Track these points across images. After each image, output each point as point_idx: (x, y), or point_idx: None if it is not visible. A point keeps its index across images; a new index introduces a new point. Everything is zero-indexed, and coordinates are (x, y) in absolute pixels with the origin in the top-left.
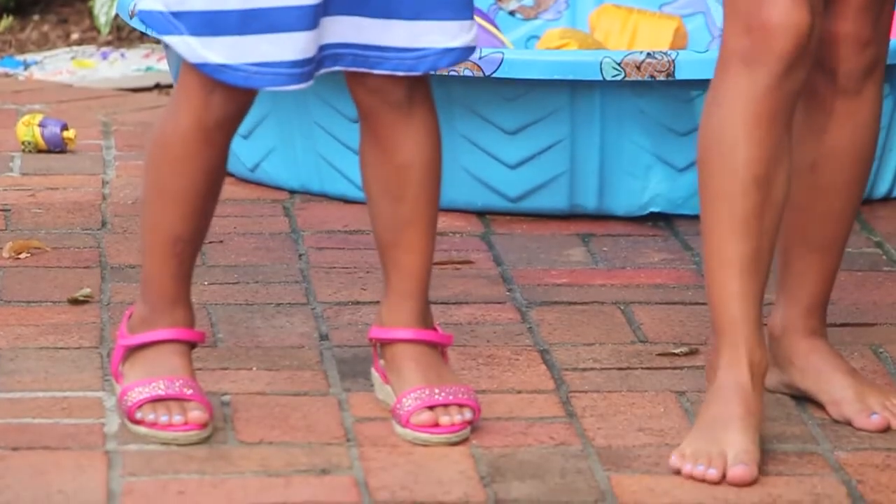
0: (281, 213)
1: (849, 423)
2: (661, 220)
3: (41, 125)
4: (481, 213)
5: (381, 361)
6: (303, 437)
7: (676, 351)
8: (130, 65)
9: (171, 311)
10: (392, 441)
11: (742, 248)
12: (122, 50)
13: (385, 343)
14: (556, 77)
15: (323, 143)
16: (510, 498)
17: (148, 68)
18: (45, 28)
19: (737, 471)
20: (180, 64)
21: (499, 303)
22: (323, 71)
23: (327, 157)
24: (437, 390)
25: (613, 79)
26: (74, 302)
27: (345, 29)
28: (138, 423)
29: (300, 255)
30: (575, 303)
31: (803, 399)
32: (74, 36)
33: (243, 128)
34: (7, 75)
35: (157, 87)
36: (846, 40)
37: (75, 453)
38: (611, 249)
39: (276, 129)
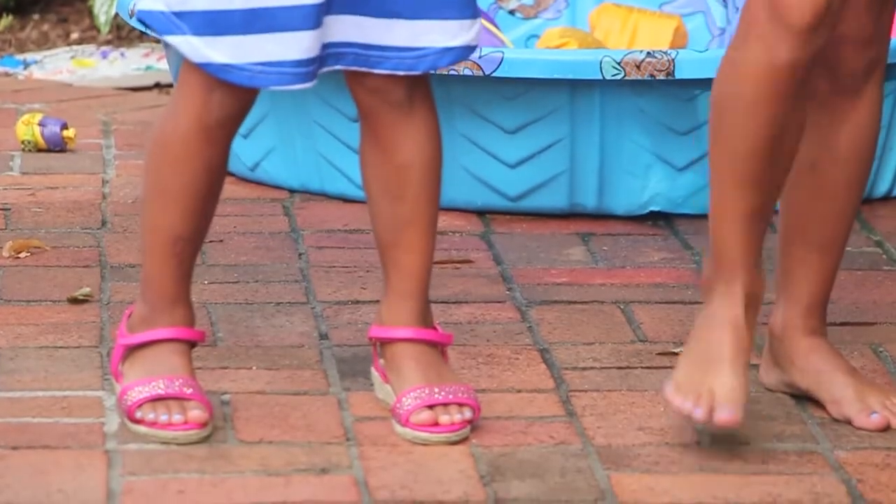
0: (281, 213)
1: (849, 423)
2: (660, 220)
3: (41, 124)
4: (481, 213)
5: (381, 360)
6: (302, 436)
7: (676, 350)
8: (130, 64)
9: (171, 310)
10: (392, 440)
11: (748, 201)
12: (122, 49)
13: (385, 342)
14: (555, 76)
15: (323, 143)
16: (510, 497)
17: (148, 67)
18: (45, 27)
19: (722, 415)
20: (181, 63)
21: (498, 302)
22: (325, 70)
23: (327, 157)
24: (436, 389)
25: (613, 78)
26: (74, 301)
27: (347, 28)
28: (138, 422)
29: (300, 255)
30: (575, 302)
31: (803, 398)
32: (74, 35)
33: (243, 127)
34: (7, 74)
35: (157, 86)
36: (847, 40)
37: (75, 452)
38: (610, 249)
39: (275, 129)
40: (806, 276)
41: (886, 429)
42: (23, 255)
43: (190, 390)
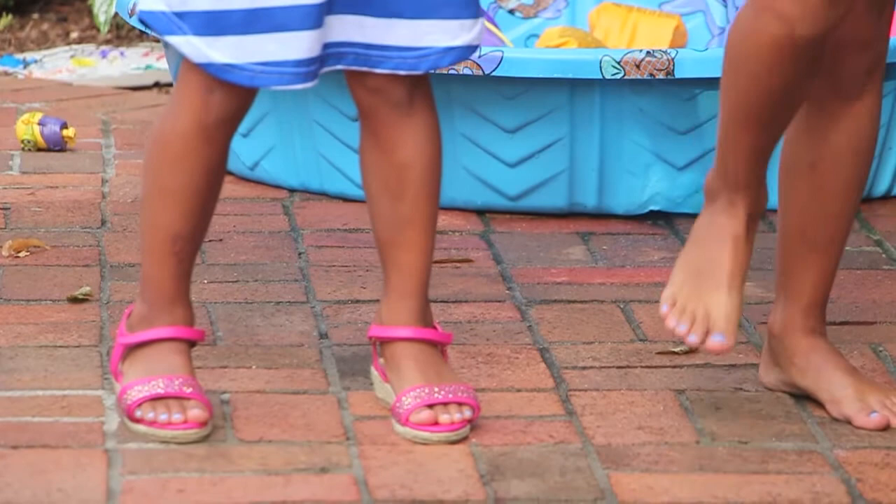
0: (280, 212)
1: (848, 422)
2: (660, 219)
3: (41, 124)
4: (481, 212)
5: (381, 360)
6: (302, 435)
7: (676, 349)
8: (130, 63)
9: (171, 309)
10: (391, 439)
11: (755, 137)
12: (122, 48)
13: (384, 341)
14: (555, 75)
15: (322, 142)
16: (510, 496)
17: (147, 67)
18: (45, 26)
19: (714, 343)
20: (180, 63)
21: (498, 301)
22: (326, 69)
23: (327, 156)
24: (436, 389)
25: (613, 77)
26: (74, 300)
27: (348, 28)
28: (138, 421)
29: (300, 254)
30: (574, 301)
31: (803, 397)
32: (74, 34)
33: (243, 126)
34: (6, 74)
35: (157, 85)
36: (847, 42)
37: (75, 452)
38: (610, 248)
39: (275, 128)
40: (805, 275)
41: (886, 428)
42: (22, 254)
43: (190, 389)
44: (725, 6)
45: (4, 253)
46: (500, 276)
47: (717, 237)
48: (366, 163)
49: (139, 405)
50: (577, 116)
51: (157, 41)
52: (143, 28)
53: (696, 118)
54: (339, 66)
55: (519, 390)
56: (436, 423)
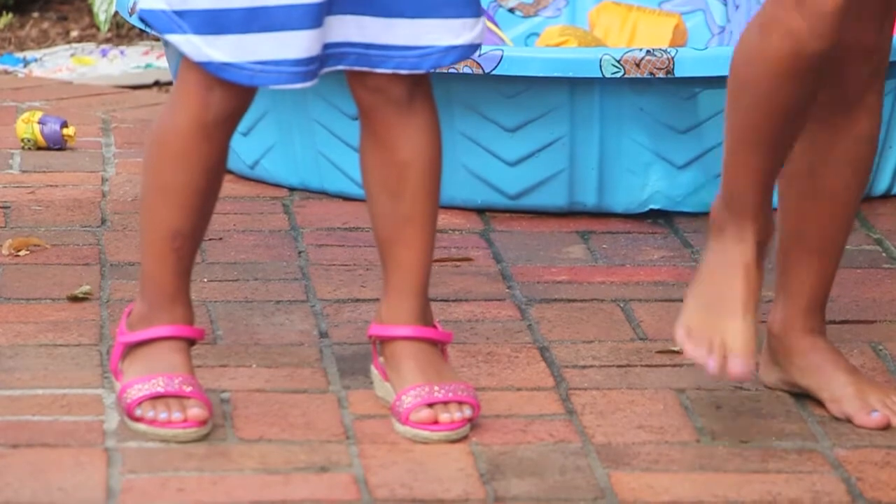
0: (280, 211)
1: (849, 421)
2: (660, 218)
3: (41, 122)
4: (481, 211)
5: (381, 359)
6: (302, 434)
7: (676, 348)
8: (130, 62)
9: (170, 308)
10: (391, 438)
11: (762, 159)
12: (122, 47)
13: (384, 340)
14: (555, 74)
15: (322, 141)
16: (510, 495)
17: (147, 65)
18: (45, 25)
19: (735, 368)
20: (180, 61)
21: (498, 300)
22: (326, 70)
23: (327, 155)
24: (436, 387)
25: (613, 76)
26: (74, 299)
27: (348, 28)
28: (138, 420)
29: (300, 253)
30: (574, 300)
31: (803, 396)
32: (74, 33)
33: (243, 125)
34: (7, 72)
35: (157, 84)
36: (851, 49)
37: (75, 450)
38: (610, 247)
39: (275, 127)
40: (805, 277)
41: (887, 427)
42: (22, 253)
43: (189, 388)
44: (725, 5)
45: (4, 252)
46: (500, 275)
47: (728, 266)
48: (366, 162)
49: (139, 404)
50: (577, 115)
51: (157, 40)
52: (143, 27)
53: (695, 117)
54: (341, 67)
55: (519, 389)
56: (436, 422)
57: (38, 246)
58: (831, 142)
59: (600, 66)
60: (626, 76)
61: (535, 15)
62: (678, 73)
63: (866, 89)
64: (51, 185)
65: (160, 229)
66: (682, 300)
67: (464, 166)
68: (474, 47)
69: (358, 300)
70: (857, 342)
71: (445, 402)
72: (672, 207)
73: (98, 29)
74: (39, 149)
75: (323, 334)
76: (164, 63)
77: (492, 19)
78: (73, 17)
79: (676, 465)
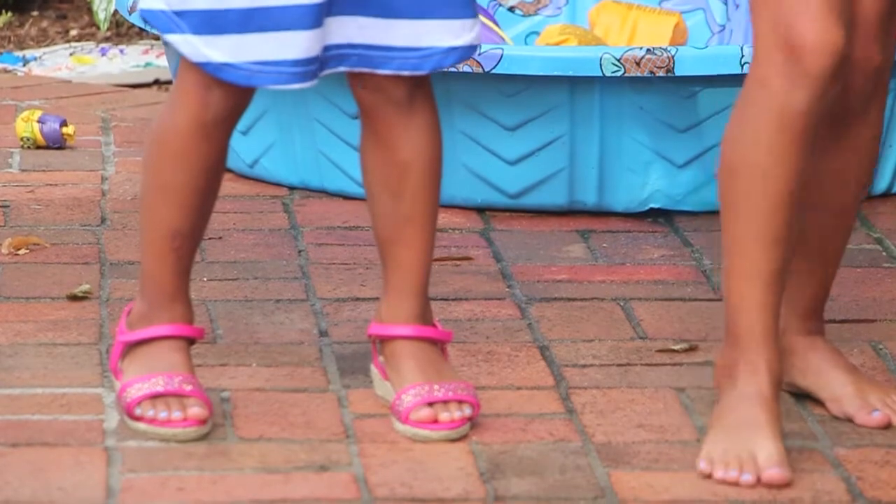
0: (280, 210)
1: (850, 420)
2: (660, 217)
3: (40, 121)
4: (481, 210)
5: (381, 358)
6: (302, 433)
7: (676, 347)
8: (129, 61)
9: (170, 307)
10: (391, 437)
11: (771, 262)
12: (122, 46)
13: (384, 340)
14: (555, 73)
15: (322, 140)
16: (510, 494)
17: (147, 64)
18: (44, 24)
19: (772, 473)
20: (179, 61)
21: (498, 299)
22: (328, 71)
23: (327, 154)
24: (436, 387)
25: (613, 75)
26: (73, 298)
27: (349, 29)
28: (137, 419)
29: (299, 252)
30: (574, 299)
31: (802, 396)
32: (73, 32)
33: (242, 124)
34: (6, 71)
35: (157, 83)
36: (856, 65)
37: (74, 450)
38: (610, 246)
39: (275, 126)
40: (804, 281)
41: (887, 426)
42: (22, 251)
43: (189, 387)
44: (726, 4)
45: (4, 251)
46: (500, 274)
47: (744, 399)
48: (366, 161)
49: (139, 403)
50: (577, 114)
51: (157, 39)
52: (143, 25)
53: (695, 116)
54: (343, 68)
55: (519, 388)
56: (436, 421)
57: (38, 245)
58: (833, 151)
59: (600, 65)
60: (626, 75)
61: (535, 14)
62: (678, 72)
63: (869, 101)
64: (50, 184)
65: (160, 228)
66: (682, 299)
67: (464, 165)
68: (474, 48)
69: (358, 299)
70: (857, 341)
71: (445, 401)
72: (672, 206)
73: (98, 28)
74: (39, 147)
75: (323, 333)
76: (163, 62)
77: (492, 18)
78: (72, 15)
79: (676, 464)
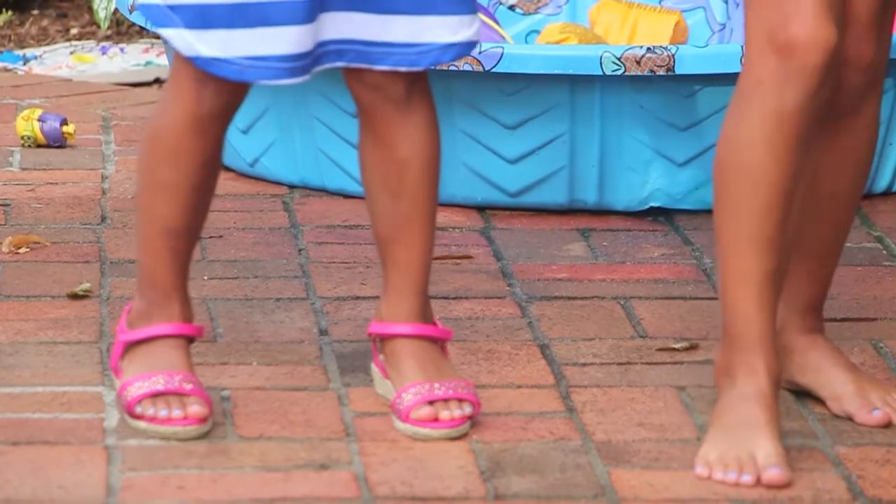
0: (280, 208)
1: (850, 419)
2: (660, 215)
3: (40, 120)
4: (481, 208)
5: (381, 356)
6: (302, 432)
7: (676, 346)
8: (130, 59)
9: (169, 305)
10: (392, 436)
11: (765, 263)
12: (122, 45)
13: (384, 338)
14: (555, 72)
15: (322, 138)
16: (510, 493)
17: (147, 63)
18: (45, 23)
19: (772, 473)
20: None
21: (499, 298)
22: (325, 66)
23: (327, 152)
24: (436, 385)
25: (613, 73)
26: (74, 297)
27: (345, 25)
28: (138, 417)
29: (300, 250)
30: (575, 298)
31: (803, 394)
32: (74, 31)
33: (243, 122)
34: (6, 70)
35: (157, 81)
36: (850, 61)
37: (75, 448)
38: (611, 244)
39: (275, 124)
40: (803, 281)
41: (888, 425)
42: (22, 250)
43: (190, 386)
44: (726, 2)
45: (4, 249)
46: (500, 273)
47: (742, 399)
48: (365, 160)
49: (139, 401)
50: (578, 113)
51: (157, 37)
52: (143, 24)
53: (696, 114)
54: (340, 64)
55: (519, 387)
56: (436, 420)
57: (38, 243)
58: (829, 147)
59: (601, 64)
60: (626, 74)
61: (536, 12)
62: (679, 71)
63: (863, 98)
64: (51, 183)
65: (156, 226)
66: (682, 298)
67: (464, 164)
68: (472, 44)
69: (358, 298)
70: (857, 340)
71: (446, 400)
72: (672, 205)
73: (98, 26)
74: (39, 146)
75: (323, 332)
76: (164, 60)
77: (492, 16)
78: (72, 14)
79: (677, 463)
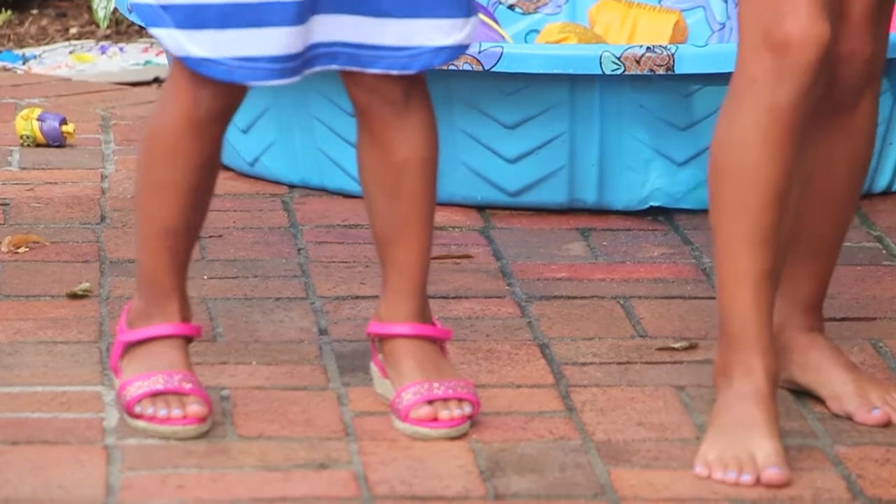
0: (280, 208)
1: (849, 418)
2: (660, 215)
3: (40, 119)
4: (481, 208)
5: (380, 356)
6: (302, 431)
7: (676, 345)
8: (129, 59)
9: (168, 304)
10: (391, 435)
11: (760, 262)
12: (121, 44)
13: (383, 338)
14: (555, 71)
15: (322, 138)
16: (510, 492)
17: (147, 62)
18: (44, 22)
19: (772, 473)
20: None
21: (498, 297)
22: (318, 69)
23: (326, 152)
24: (436, 385)
25: (613, 73)
26: (73, 296)
27: (337, 27)
28: (137, 417)
29: (299, 250)
30: (574, 297)
31: (802, 393)
32: (73, 30)
33: (242, 122)
34: (5, 69)
35: (156, 81)
36: (846, 57)
37: (74, 448)
38: (610, 244)
39: (275, 124)
40: (802, 277)
41: (888, 424)
42: (22, 250)
43: (189, 385)
44: (726, 1)
45: (4, 249)
46: (499, 272)
47: (740, 398)
48: (362, 161)
49: (139, 401)
50: (577, 112)
51: None
52: (141, 23)
53: (695, 114)
54: (333, 67)
55: (519, 386)
56: (435, 420)
57: (38, 243)
58: (827, 143)
59: (600, 63)
60: (626, 73)
61: (535, 12)
62: (678, 70)
63: (861, 94)
64: (50, 182)
65: (154, 226)
66: (682, 297)
67: (464, 163)
68: (463, 48)
69: (357, 297)
70: (857, 339)
71: (445, 399)
72: (672, 204)
73: (97, 26)
74: (38, 146)
75: (322, 331)
76: (163, 60)
77: (492, 16)
78: (72, 14)
79: (676, 462)
